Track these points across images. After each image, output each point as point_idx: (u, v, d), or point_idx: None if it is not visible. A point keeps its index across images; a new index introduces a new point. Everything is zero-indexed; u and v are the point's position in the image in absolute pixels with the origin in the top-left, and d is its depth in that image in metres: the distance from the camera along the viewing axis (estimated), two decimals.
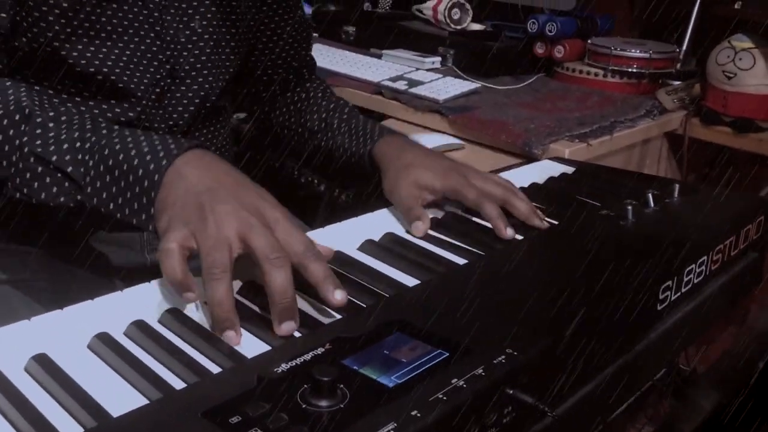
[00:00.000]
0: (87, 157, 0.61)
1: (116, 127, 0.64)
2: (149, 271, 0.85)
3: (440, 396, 0.43)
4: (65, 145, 0.61)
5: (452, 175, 0.76)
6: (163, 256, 0.53)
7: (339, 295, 0.54)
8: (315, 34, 1.79)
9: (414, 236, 0.72)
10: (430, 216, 0.75)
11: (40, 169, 0.61)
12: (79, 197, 0.61)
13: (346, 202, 1.44)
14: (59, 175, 0.61)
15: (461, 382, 0.45)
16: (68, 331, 0.51)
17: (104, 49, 0.75)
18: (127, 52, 0.77)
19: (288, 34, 0.98)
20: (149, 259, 0.85)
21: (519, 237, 0.73)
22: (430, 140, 1.15)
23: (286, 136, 1.00)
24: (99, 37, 0.75)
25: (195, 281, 0.53)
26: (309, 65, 1.02)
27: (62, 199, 0.62)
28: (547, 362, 0.51)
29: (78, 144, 0.61)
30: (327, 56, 1.54)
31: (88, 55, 0.75)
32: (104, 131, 0.63)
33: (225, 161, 0.63)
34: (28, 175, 0.61)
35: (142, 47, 0.78)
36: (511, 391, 0.47)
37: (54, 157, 0.61)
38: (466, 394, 0.44)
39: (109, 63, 0.76)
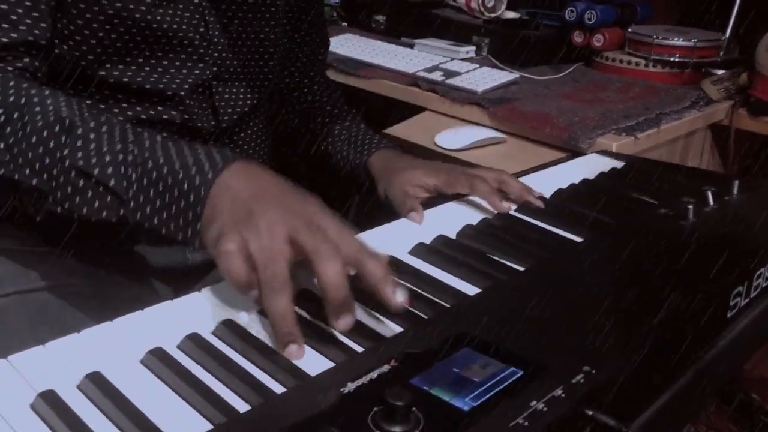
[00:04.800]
0: (130, 171, 0.58)
1: (159, 137, 0.61)
2: (189, 272, 0.84)
3: (521, 421, 0.40)
4: (107, 158, 0.59)
5: (443, 171, 0.81)
6: (223, 258, 0.51)
7: (401, 296, 0.51)
8: (344, 24, 1.76)
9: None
10: (479, 219, 0.73)
11: (81, 183, 0.59)
12: (122, 212, 0.59)
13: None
14: (101, 189, 0.58)
15: (541, 405, 0.42)
16: (119, 346, 0.48)
17: (148, 53, 0.74)
18: (171, 55, 0.75)
19: (312, 38, 0.99)
20: (191, 258, 0.83)
21: (578, 239, 0.70)
22: (473, 133, 1.12)
23: (289, 135, 1.01)
24: (146, 42, 0.73)
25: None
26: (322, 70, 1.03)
27: (105, 213, 0.59)
28: (623, 378, 0.48)
29: (120, 157, 0.59)
30: (358, 46, 1.50)
31: (130, 63, 0.73)
32: (147, 143, 0.60)
33: (270, 171, 0.60)
34: (69, 189, 0.59)
35: (189, 49, 0.76)
36: (591, 413, 0.44)
37: (96, 171, 0.58)
38: (549, 418, 0.41)
39: (147, 69, 0.74)
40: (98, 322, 0.73)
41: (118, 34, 0.71)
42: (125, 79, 0.73)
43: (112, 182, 0.58)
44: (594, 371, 0.45)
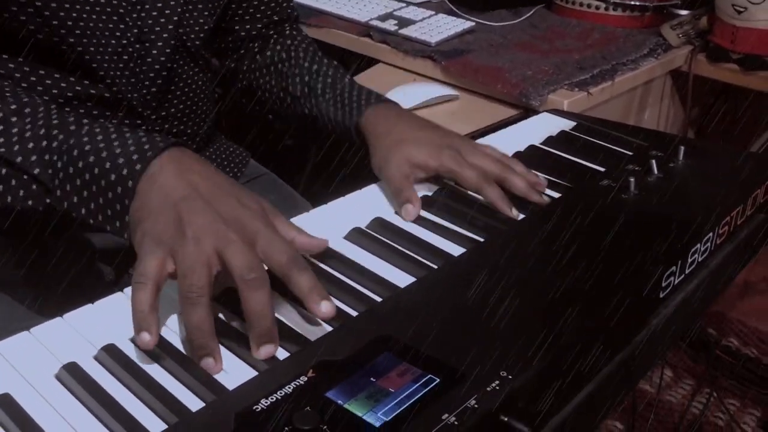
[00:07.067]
0: (55, 158, 0.56)
1: (85, 121, 0.59)
2: (129, 251, 0.82)
3: None
4: (30, 144, 0.56)
5: (447, 153, 0.72)
6: (135, 285, 0.49)
7: (325, 308, 0.51)
8: None
9: (404, 219, 0.68)
10: (422, 194, 0.72)
11: (4, 171, 0.57)
12: (48, 200, 0.57)
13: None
14: (26, 177, 0.57)
15: (452, 418, 0.42)
16: (35, 359, 0.48)
17: (70, 23, 0.70)
18: (94, 16, 0.71)
19: None
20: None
21: (519, 216, 0.70)
22: (424, 91, 1.09)
23: (267, 99, 0.94)
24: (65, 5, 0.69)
25: (158, 322, 0.49)
26: (291, 18, 0.96)
27: (30, 202, 0.57)
28: (544, 378, 0.48)
29: (44, 143, 0.57)
30: None
31: (57, 26, 0.69)
32: (72, 127, 0.58)
33: (202, 160, 0.58)
34: None
35: (108, 9, 0.72)
36: (506, 419, 0.44)
37: (19, 158, 0.56)
38: (460, 430, 0.41)
39: (78, 31, 0.70)
40: (32, 311, 0.71)
41: None
42: (60, 34, 0.69)
43: (36, 170, 0.56)
44: (510, 377, 0.45)
